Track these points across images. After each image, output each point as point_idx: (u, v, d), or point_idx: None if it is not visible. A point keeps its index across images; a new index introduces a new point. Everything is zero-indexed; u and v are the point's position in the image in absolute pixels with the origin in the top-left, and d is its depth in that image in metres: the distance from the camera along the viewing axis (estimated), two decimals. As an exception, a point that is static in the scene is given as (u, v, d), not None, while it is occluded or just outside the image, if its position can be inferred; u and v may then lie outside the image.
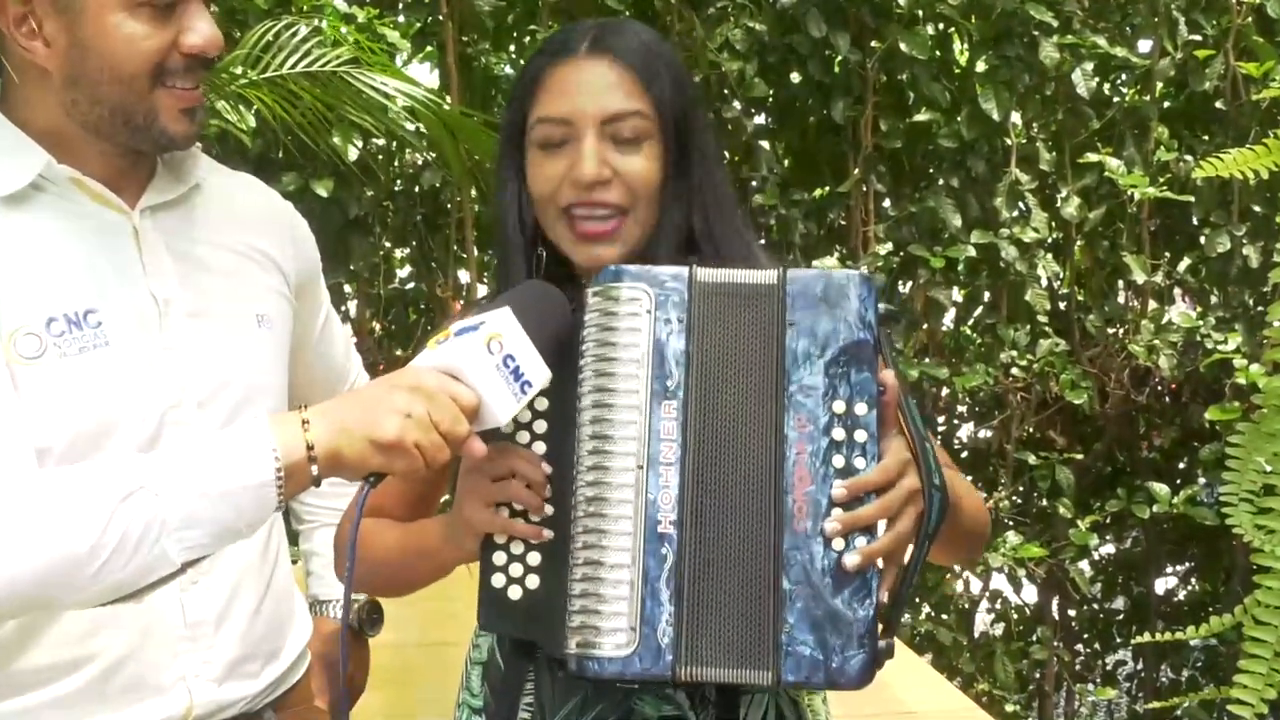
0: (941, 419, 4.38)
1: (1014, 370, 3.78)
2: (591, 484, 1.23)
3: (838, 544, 1.20)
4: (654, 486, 1.22)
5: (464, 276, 4.26)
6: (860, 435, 1.22)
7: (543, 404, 1.27)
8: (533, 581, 1.26)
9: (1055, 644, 4.07)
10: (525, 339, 1.18)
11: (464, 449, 1.18)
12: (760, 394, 1.23)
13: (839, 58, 3.74)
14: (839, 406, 1.22)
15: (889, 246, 3.76)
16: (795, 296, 1.23)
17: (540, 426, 1.27)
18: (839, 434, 1.22)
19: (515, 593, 1.26)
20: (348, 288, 4.14)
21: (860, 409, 1.22)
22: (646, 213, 1.38)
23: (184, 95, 1.36)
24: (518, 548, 1.26)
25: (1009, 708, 4.09)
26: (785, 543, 1.21)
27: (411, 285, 4.39)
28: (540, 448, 1.26)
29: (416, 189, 4.09)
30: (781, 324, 1.23)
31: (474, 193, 3.85)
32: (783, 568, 1.21)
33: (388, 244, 4.25)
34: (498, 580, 1.26)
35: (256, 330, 1.50)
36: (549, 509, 1.25)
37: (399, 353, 4.34)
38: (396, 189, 4.12)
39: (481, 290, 4.05)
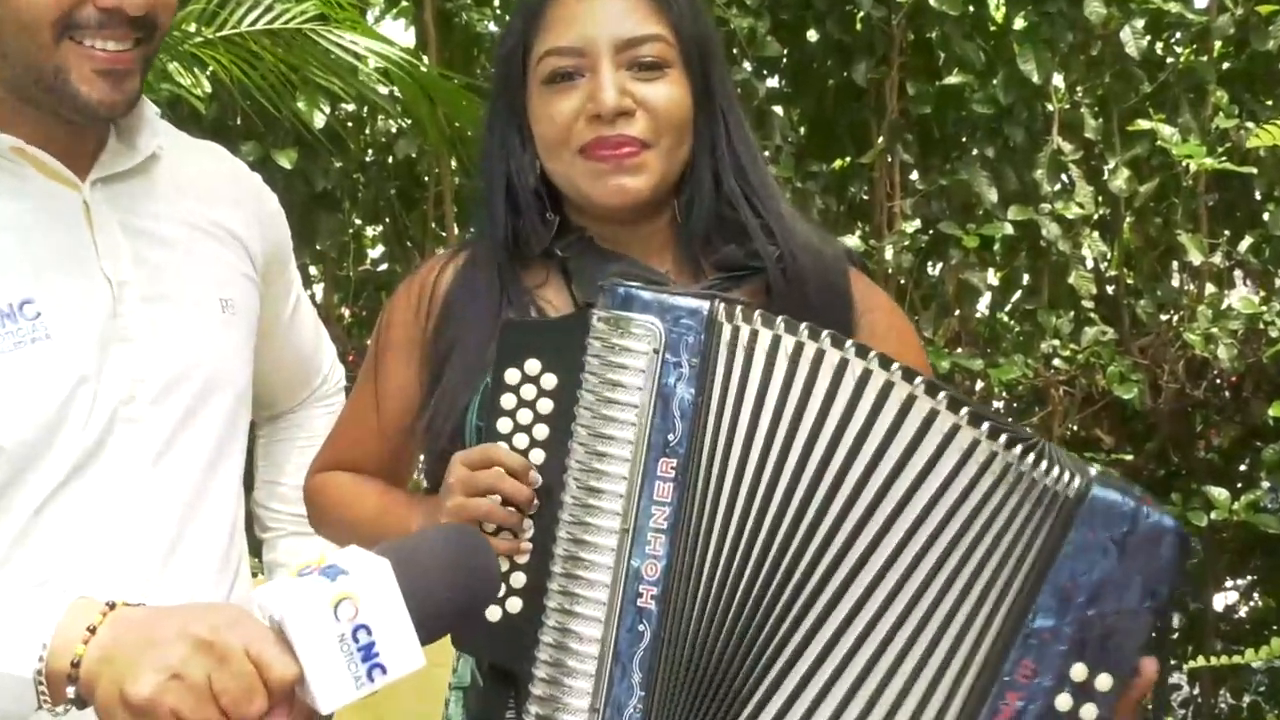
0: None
1: (1056, 361, 3.61)
2: (571, 542, 1.18)
3: None
4: (639, 554, 1.15)
5: (442, 257, 4.17)
6: (1089, 712, 1.10)
7: (546, 406, 1.21)
8: (514, 605, 1.20)
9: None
10: (397, 611, 0.95)
11: None
12: (964, 590, 1.12)
13: (861, 14, 3.58)
14: (1078, 672, 1.10)
15: (917, 224, 3.60)
16: (1093, 514, 1.09)
17: (541, 432, 1.21)
18: (1064, 703, 1.10)
19: (494, 614, 1.20)
20: (314, 269, 4.01)
21: (1103, 683, 1.10)
22: (673, 148, 1.34)
23: (100, 56, 1.30)
24: (502, 565, 1.19)
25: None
26: None
27: (385, 267, 4.28)
28: (539, 455, 1.20)
29: (390, 159, 3.94)
30: (1057, 539, 1.10)
31: (454, 164, 3.72)
32: None
33: (358, 221, 4.13)
34: None
35: (220, 316, 1.48)
36: (529, 529, 1.19)
37: (370, 342, 4.23)
38: (368, 159, 4.00)
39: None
